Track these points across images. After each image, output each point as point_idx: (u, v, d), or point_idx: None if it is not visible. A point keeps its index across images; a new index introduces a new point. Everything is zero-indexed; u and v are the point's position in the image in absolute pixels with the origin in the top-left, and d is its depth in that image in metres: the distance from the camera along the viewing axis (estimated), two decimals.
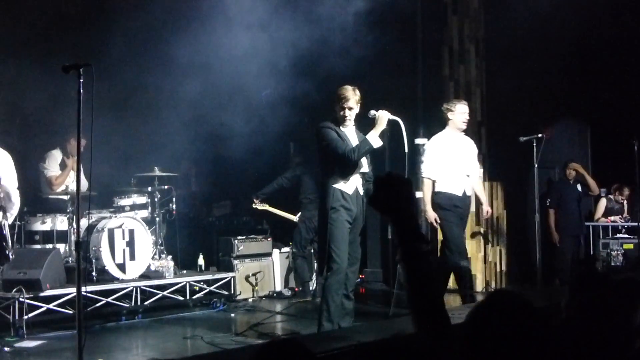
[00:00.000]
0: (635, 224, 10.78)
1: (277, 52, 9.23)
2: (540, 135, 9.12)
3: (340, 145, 6.63)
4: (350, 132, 6.80)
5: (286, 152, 11.42)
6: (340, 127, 6.78)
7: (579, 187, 10.86)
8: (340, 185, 6.70)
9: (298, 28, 9.03)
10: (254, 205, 10.41)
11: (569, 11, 10.30)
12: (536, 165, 9.16)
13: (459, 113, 8.30)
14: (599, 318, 3.02)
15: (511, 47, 10.50)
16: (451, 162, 8.28)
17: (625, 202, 11.47)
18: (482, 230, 10.50)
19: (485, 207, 8.69)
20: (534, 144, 9.11)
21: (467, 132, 10.41)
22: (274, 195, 10.56)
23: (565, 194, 10.77)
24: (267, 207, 10.44)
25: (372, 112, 6.75)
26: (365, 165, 6.84)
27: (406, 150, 6.73)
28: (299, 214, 10.34)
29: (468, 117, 8.39)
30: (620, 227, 11.17)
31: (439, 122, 10.47)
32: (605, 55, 10.93)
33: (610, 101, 9.97)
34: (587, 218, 11.34)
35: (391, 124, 6.77)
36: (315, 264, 10.25)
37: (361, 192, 6.81)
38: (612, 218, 11.17)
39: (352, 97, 6.75)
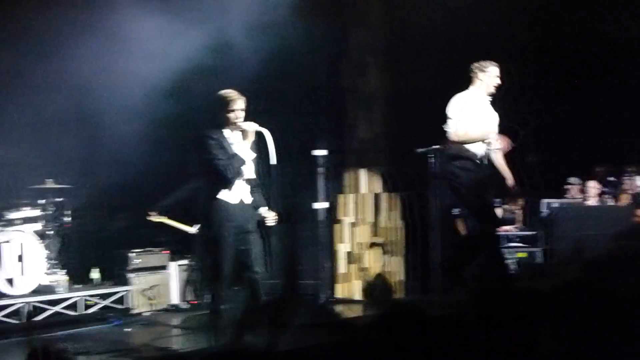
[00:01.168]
0: (528, 233, 11.03)
1: (180, 60, 9.03)
2: (437, 146, 9.15)
3: (217, 160, 6.48)
4: (238, 137, 6.63)
5: (185, 164, 11.12)
6: (227, 133, 6.61)
7: None
8: (223, 196, 6.54)
9: (198, 40, 8.89)
10: (150, 218, 10.17)
11: (471, 23, 10.46)
12: (433, 177, 9.20)
13: (491, 76, 7.96)
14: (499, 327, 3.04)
15: (412, 58, 10.59)
16: (476, 124, 7.90)
17: (519, 211, 11.72)
18: (380, 240, 10.55)
19: (510, 182, 8.27)
20: (432, 156, 9.08)
21: (368, 141, 10.66)
22: (172, 208, 10.33)
23: (468, 203, 10.86)
24: (163, 219, 10.22)
25: (240, 124, 6.61)
26: (250, 172, 6.69)
27: (274, 162, 6.59)
28: (197, 226, 9.98)
29: (499, 82, 8.02)
30: (513, 237, 11.38)
31: (339, 134, 10.63)
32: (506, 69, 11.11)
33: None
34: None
35: (259, 135, 6.65)
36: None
37: (248, 201, 6.68)
38: (506, 227, 11.35)
39: (239, 99, 6.61)
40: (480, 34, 10.81)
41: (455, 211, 10.10)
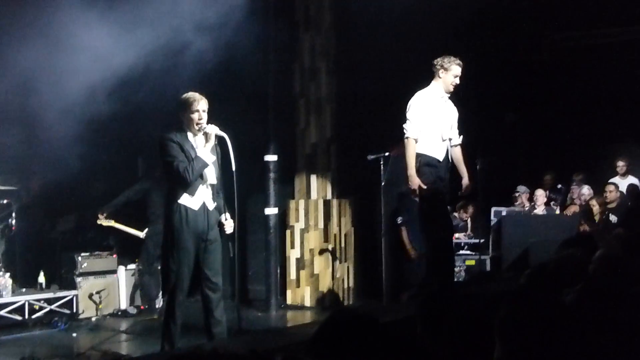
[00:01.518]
0: (477, 241, 11.14)
1: (122, 64, 8.92)
2: (387, 153, 9.21)
3: (178, 163, 6.29)
4: (200, 141, 6.47)
5: (134, 166, 11.21)
6: (189, 136, 6.45)
7: None
8: (184, 201, 6.35)
9: (145, 40, 8.77)
10: (98, 221, 10.10)
11: (421, 30, 10.54)
12: (383, 183, 9.26)
13: (452, 75, 7.83)
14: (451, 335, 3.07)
15: (362, 64, 10.60)
16: (435, 123, 7.81)
17: (469, 219, 11.84)
18: (330, 246, 10.57)
19: (465, 181, 8.11)
20: (381, 162, 9.19)
21: (319, 147, 10.67)
22: (121, 211, 10.29)
23: (413, 210, 10.92)
24: (112, 223, 10.14)
25: (203, 127, 6.45)
26: (213, 177, 6.49)
27: (234, 167, 6.47)
28: (146, 229, 10.11)
29: (458, 82, 7.90)
30: (463, 244, 11.49)
31: (289, 139, 10.63)
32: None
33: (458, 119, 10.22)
34: None
35: (219, 139, 6.52)
36: (162, 281, 10.10)
37: (210, 207, 6.48)
38: (457, 235, 11.43)
39: (201, 99, 6.44)
40: (430, 39, 10.92)
41: (400, 219, 10.11)
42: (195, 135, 6.46)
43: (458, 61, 7.91)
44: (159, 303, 10.03)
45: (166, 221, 6.52)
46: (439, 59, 7.91)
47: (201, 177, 6.41)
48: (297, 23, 10.80)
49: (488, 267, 11.09)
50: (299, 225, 10.65)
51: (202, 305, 6.53)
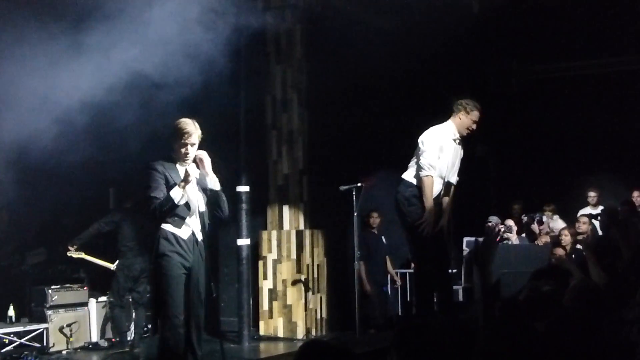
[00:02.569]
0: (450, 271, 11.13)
1: (92, 92, 8.77)
2: (359, 184, 9.26)
3: (151, 197, 6.14)
4: (188, 170, 6.26)
5: (105, 198, 11.15)
6: (178, 165, 6.29)
7: (383, 238, 11.10)
8: (172, 229, 6.18)
9: (115, 70, 8.65)
10: (69, 253, 10.02)
11: (391, 62, 10.63)
12: (356, 214, 9.28)
13: (471, 119, 7.88)
14: None
15: (333, 96, 10.70)
16: (440, 163, 7.85)
17: None
18: (303, 277, 10.57)
19: (443, 221, 8.04)
20: (354, 193, 9.23)
21: (291, 178, 10.69)
22: (92, 243, 10.26)
23: (371, 245, 10.95)
24: (83, 255, 10.07)
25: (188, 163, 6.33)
26: (202, 204, 6.31)
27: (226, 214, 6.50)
28: (117, 262, 10.07)
29: (474, 129, 8.01)
30: None
31: (260, 171, 10.59)
32: (423, 111, 11.27)
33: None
34: (405, 265, 11.55)
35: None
36: (134, 314, 10.10)
37: (199, 237, 6.31)
38: None
39: (194, 132, 6.24)
40: (400, 71, 10.98)
41: (359, 254, 9.97)
42: (182, 165, 6.29)
43: (479, 107, 7.98)
44: (130, 335, 10.00)
45: (154, 251, 6.23)
46: (462, 100, 7.98)
47: (188, 207, 6.23)
48: (269, 54, 10.86)
49: (460, 298, 11.09)
50: (271, 256, 10.64)
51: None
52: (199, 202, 6.33)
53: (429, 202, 7.77)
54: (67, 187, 9.88)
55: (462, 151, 8.16)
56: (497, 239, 10.85)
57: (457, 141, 8.01)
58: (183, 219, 6.24)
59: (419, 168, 7.86)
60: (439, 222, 8.00)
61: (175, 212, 6.20)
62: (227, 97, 10.07)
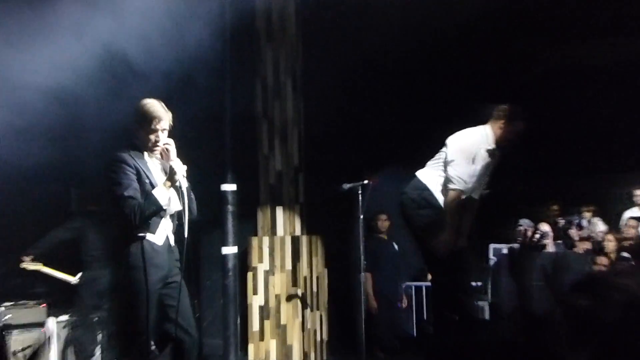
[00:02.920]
0: (474, 284, 11.01)
1: (54, 77, 8.63)
2: (364, 182, 8.95)
3: (126, 197, 5.68)
4: (156, 164, 5.97)
5: (65, 199, 10.89)
6: (147, 156, 5.90)
7: (394, 245, 10.94)
8: (147, 235, 5.87)
9: (82, 54, 8.54)
10: (23, 265, 9.77)
11: (398, 43, 10.44)
12: (361, 217, 9.06)
13: (515, 132, 7.46)
14: None
15: (333, 81, 10.41)
16: (474, 176, 7.51)
17: None
18: (299, 292, 10.20)
19: (461, 242, 7.80)
20: (359, 192, 8.90)
21: (285, 175, 10.49)
22: (50, 252, 9.95)
23: (380, 253, 10.83)
24: (40, 267, 9.79)
25: (157, 153, 5.97)
26: (176, 203, 6.00)
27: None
28: (79, 274, 9.81)
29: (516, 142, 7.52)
30: None
31: (249, 167, 10.48)
32: (434, 99, 11.18)
33: (437, 146, 10.19)
34: (420, 277, 11.48)
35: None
36: (100, 336, 9.86)
37: (173, 241, 6.08)
38: None
39: (165, 115, 5.94)
40: (409, 55, 10.87)
41: (365, 264, 9.86)
42: (150, 156, 6.02)
43: (526, 116, 7.46)
44: None
45: (123, 261, 5.90)
46: (505, 107, 7.50)
47: (149, 217, 5.85)
48: (258, 32, 10.51)
49: (486, 315, 10.97)
50: (262, 267, 10.31)
51: (172, 356, 6.09)
52: (172, 200, 5.91)
53: (450, 219, 7.37)
54: (20, 187, 9.55)
55: (494, 164, 7.67)
56: (532, 246, 10.72)
57: (492, 152, 7.49)
58: (158, 222, 5.87)
59: (447, 180, 7.43)
60: (458, 242, 7.61)
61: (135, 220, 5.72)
62: (210, 82, 9.88)
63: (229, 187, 9.81)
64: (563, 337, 4.26)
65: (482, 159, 7.51)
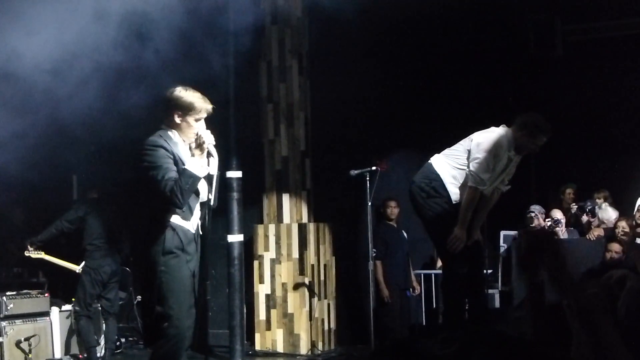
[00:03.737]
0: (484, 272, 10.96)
1: (57, 61, 8.57)
2: (373, 167, 8.98)
3: (166, 177, 5.62)
4: (186, 148, 5.84)
5: (68, 187, 10.93)
6: (179, 140, 5.83)
7: (404, 233, 10.91)
8: (179, 221, 5.74)
9: (85, 37, 8.50)
10: (26, 253, 9.83)
11: (411, 19, 10.35)
12: (370, 203, 9.06)
13: (535, 144, 7.58)
14: None
15: (340, 64, 10.39)
16: (491, 177, 7.54)
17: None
18: (307, 280, 10.23)
19: (475, 234, 7.83)
20: (367, 178, 8.94)
21: (291, 161, 10.48)
22: (54, 241, 10.00)
23: (389, 241, 10.76)
24: (43, 255, 9.87)
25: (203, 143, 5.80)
26: (204, 192, 5.87)
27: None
28: (83, 263, 9.78)
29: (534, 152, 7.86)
30: None
31: (255, 153, 10.45)
32: (447, 79, 11.07)
33: (450, 129, 10.12)
34: (429, 265, 11.41)
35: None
36: (104, 325, 9.93)
37: (200, 231, 5.96)
38: None
39: (204, 106, 5.87)
40: (421, 34, 10.78)
41: (375, 252, 9.83)
42: (185, 142, 5.89)
43: (549, 130, 7.54)
44: (100, 351, 9.77)
45: (152, 247, 5.79)
46: (529, 118, 7.55)
47: (197, 194, 5.81)
48: (264, 13, 10.46)
49: (497, 304, 10.93)
50: (268, 255, 10.40)
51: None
52: (202, 188, 5.85)
53: (463, 215, 7.45)
54: (21, 173, 9.42)
55: (513, 170, 7.76)
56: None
57: (511, 156, 7.59)
58: (192, 208, 5.82)
59: (469, 177, 7.50)
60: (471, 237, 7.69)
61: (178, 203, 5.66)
62: (213, 64, 9.83)
63: (234, 174, 9.87)
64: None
65: (503, 164, 7.59)
